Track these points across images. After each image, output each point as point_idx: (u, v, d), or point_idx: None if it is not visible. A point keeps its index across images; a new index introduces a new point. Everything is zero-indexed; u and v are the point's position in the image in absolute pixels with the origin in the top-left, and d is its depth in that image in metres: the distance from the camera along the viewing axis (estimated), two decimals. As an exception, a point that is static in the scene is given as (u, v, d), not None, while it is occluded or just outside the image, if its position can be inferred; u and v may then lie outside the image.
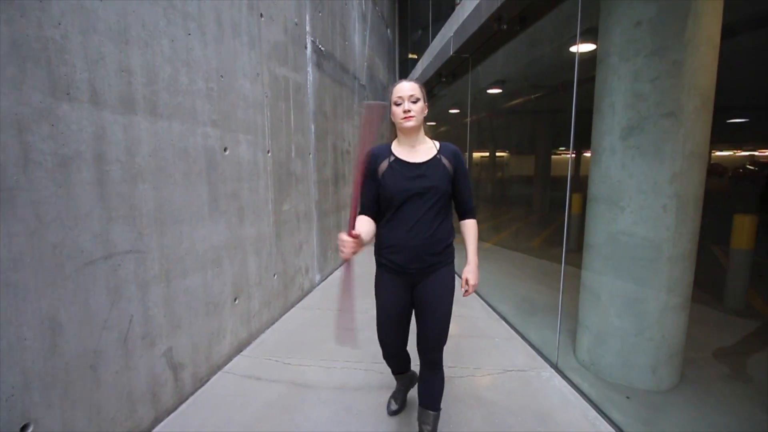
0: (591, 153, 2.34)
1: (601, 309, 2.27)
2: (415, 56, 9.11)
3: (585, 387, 2.22)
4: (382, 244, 1.59)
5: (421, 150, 1.54)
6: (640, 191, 2.05)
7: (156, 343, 1.93)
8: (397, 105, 1.49)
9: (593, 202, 2.30)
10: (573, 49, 2.43)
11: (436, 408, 1.63)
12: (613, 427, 1.92)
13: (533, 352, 2.68)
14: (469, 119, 4.77)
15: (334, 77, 4.55)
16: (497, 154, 5.88)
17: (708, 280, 3.57)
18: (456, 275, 1.62)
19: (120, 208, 1.71)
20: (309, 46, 3.78)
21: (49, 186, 1.42)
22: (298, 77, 3.53)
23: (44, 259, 1.41)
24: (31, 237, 1.36)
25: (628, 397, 2.13)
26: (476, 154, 5.69)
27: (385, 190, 1.51)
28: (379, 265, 1.63)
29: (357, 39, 5.61)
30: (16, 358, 1.33)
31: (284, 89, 3.25)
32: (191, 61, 2.13)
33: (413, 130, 1.51)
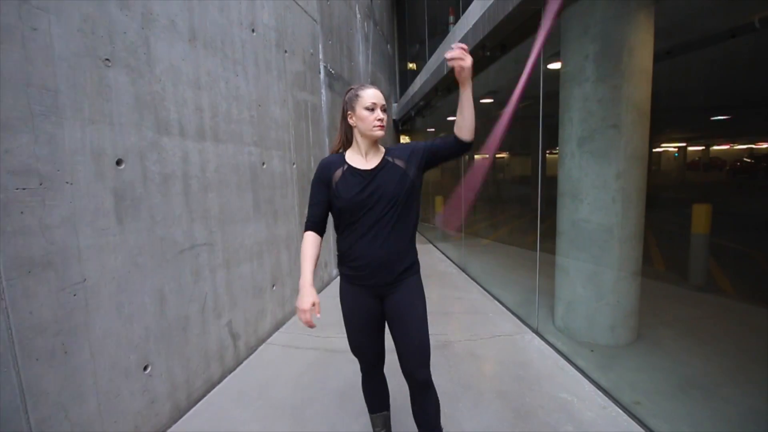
0: (558, 157, 2.90)
1: (570, 282, 2.82)
2: (414, 66, 9.72)
3: (558, 345, 2.77)
4: (343, 256, 1.52)
5: (375, 157, 1.47)
6: (593, 187, 2.61)
7: (221, 316, 2.50)
8: (369, 110, 1.40)
9: (560, 197, 2.86)
10: (552, 66, 2.98)
11: (437, 431, 1.54)
12: (578, 371, 2.46)
13: (519, 322, 3.24)
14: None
15: (340, 93, 5.14)
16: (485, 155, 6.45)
17: (679, 263, 4.10)
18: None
19: (198, 211, 2.29)
20: (322, 70, 4.38)
21: (157, 196, 2.00)
22: (314, 99, 4.13)
23: (155, 248, 1.98)
24: (148, 232, 1.94)
25: (592, 351, 2.67)
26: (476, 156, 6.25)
27: (339, 201, 1.42)
28: (342, 276, 1.56)
29: (361, 58, 6.22)
30: (142, 317, 1.90)
31: (304, 110, 3.84)
32: (239, 96, 2.72)
33: (377, 140, 1.45)
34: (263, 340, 3.01)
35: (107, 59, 1.72)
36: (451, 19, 6.31)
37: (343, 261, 1.52)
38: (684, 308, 3.45)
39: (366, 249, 1.43)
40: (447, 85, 5.40)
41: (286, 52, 3.46)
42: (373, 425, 1.76)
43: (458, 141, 1.43)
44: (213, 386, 2.40)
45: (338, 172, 1.45)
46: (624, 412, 2.06)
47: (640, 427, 1.94)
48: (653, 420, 1.95)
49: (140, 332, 1.89)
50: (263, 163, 3.03)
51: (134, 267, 1.86)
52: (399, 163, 1.45)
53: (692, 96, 4.71)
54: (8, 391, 1.35)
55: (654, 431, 1.90)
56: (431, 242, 7.27)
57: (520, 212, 6.79)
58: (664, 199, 5.22)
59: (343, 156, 1.49)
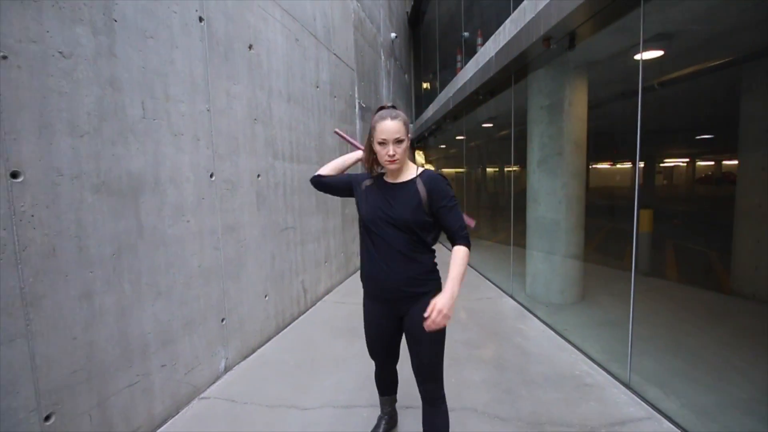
0: (527, 173, 4.17)
1: (534, 261, 4.06)
2: (428, 86, 11.10)
3: (525, 303, 4.00)
4: (361, 272, 1.63)
5: (403, 175, 1.52)
6: (547, 194, 3.86)
7: (299, 275, 3.83)
8: (381, 145, 1.44)
9: (528, 201, 4.12)
10: (539, 99, 4.26)
11: None
12: (534, 317, 3.68)
13: (500, 291, 4.48)
14: (464, 144, 6.65)
15: (370, 122, 6.52)
16: (488, 168, 7.74)
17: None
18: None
19: (289, 206, 3.64)
20: (357, 106, 5.76)
21: (272, 196, 3.35)
22: (352, 128, 5.50)
23: (271, 226, 3.32)
24: (268, 216, 3.28)
25: (546, 306, 3.89)
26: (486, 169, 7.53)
27: (359, 210, 1.54)
28: (363, 288, 1.66)
29: (384, 91, 7.62)
30: (264, 267, 3.23)
31: (345, 137, 5.20)
32: (309, 131, 4.09)
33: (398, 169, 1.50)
34: (319, 298, 4.32)
35: (255, 119, 3.09)
36: (479, 40, 7.58)
37: (361, 275, 1.64)
38: (625, 285, 4.63)
39: (379, 271, 1.50)
40: (454, 114, 6.72)
41: (335, 97, 4.84)
42: (381, 406, 1.97)
43: (451, 241, 1.49)
44: (294, 319, 3.71)
45: (366, 182, 1.59)
46: (557, 335, 3.28)
47: (564, 341, 3.16)
48: (572, 337, 3.17)
49: (264, 274, 3.22)
50: (321, 176, 4.38)
51: (262, 236, 3.20)
52: (420, 186, 1.46)
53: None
54: (217, 295, 2.67)
55: (571, 342, 3.12)
56: (441, 242, 8.54)
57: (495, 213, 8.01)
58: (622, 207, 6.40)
59: (376, 174, 1.61)
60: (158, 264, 2.13)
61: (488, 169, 7.91)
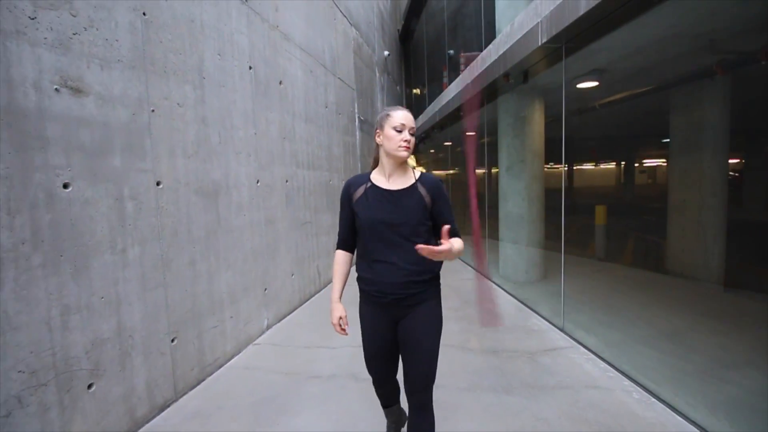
0: (498, 176, 5.12)
1: (505, 248, 5.00)
2: (418, 91, 12.05)
3: (497, 282, 4.95)
4: (359, 275, 1.56)
5: (400, 179, 1.49)
6: (513, 193, 4.81)
7: (315, 261, 4.72)
8: (398, 132, 1.42)
9: (500, 200, 5.06)
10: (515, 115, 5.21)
11: None
12: (505, 292, 4.63)
13: (479, 274, 5.42)
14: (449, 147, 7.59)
15: (368, 132, 7.44)
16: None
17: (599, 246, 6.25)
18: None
19: (307, 205, 4.54)
20: (357, 119, 6.68)
21: (295, 197, 4.24)
22: (353, 140, 6.42)
23: (294, 220, 4.22)
24: (292, 213, 4.18)
25: (514, 283, 4.83)
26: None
27: (358, 218, 1.49)
28: (360, 291, 1.59)
29: (379, 103, 8.56)
30: (290, 252, 4.12)
31: (347, 147, 6.12)
32: (320, 144, 4.99)
33: (403, 161, 1.47)
34: (328, 282, 5.22)
35: (284, 137, 3.99)
36: (462, 60, 8.53)
37: (359, 280, 1.56)
38: (582, 268, 5.60)
39: (379, 272, 1.46)
40: (441, 124, 7.67)
41: (339, 114, 5.76)
42: (388, 416, 1.89)
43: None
44: (312, 296, 4.61)
45: (359, 191, 1.50)
46: (519, 302, 4.22)
47: (524, 305, 4.10)
48: (530, 303, 4.12)
49: (291, 258, 4.11)
50: (330, 180, 5.29)
51: (289, 228, 4.09)
52: (423, 192, 1.46)
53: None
54: (261, 271, 3.56)
55: (529, 306, 4.06)
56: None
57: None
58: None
59: (369, 175, 1.54)
60: (228, 245, 3.02)
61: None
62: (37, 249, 1.70)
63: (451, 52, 8.49)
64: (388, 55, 9.52)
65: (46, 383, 1.73)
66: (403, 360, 1.55)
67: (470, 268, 6.09)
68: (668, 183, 5.22)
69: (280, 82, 3.90)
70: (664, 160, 5.87)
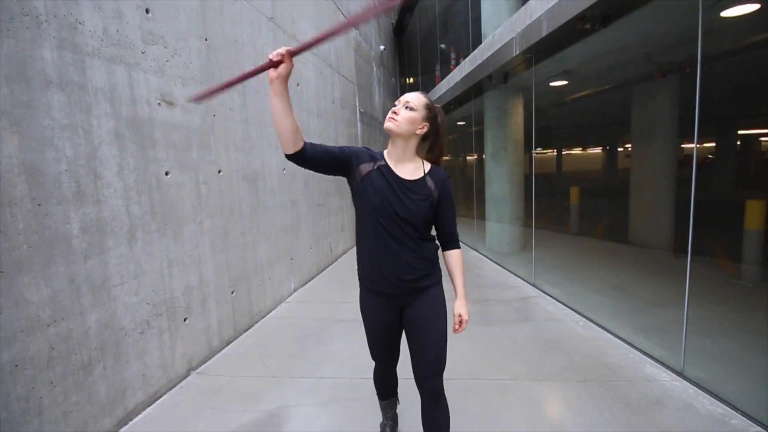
0: (485, 162, 5.87)
1: (491, 224, 5.79)
2: (411, 80, 12.68)
3: (484, 253, 5.75)
4: (360, 265, 1.55)
5: (409, 167, 1.47)
6: (497, 176, 5.57)
7: (327, 238, 5.47)
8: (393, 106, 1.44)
9: (486, 183, 5.82)
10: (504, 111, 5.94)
11: None
12: (491, 261, 5.43)
13: (467, 247, 6.23)
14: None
15: (368, 123, 8.12)
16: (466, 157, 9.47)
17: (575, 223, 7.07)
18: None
19: (320, 189, 5.25)
20: (358, 112, 7.34)
21: (311, 182, 4.96)
22: (354, 131, 7.10)
23: (311, 202, 4.94)
24: (309, 196, 4.90)
25: (498, 254, 5.63)
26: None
27: (363, 197, 1.44)
28: (361, 283, 1.58)
29: (376, 96, 9.20)
30: (308, 230, 4.85)
31: (350, 138, 6.80)
32: (329, 136, 5.67)
33: (397, 138, 1.44)
34: (339, 256, 5.98)
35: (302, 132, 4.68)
36: (453, 54, 9.12)
37: (360, 269, 1.55)
38: (558, 240, 6.43)
39: (381, 261, 1.44)
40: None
41: (343, 108, 6.43)
42: (383, 411, 1.91)
43: (439, 242, 1.56)
44: (325, 268, 5.37)
45: (370, 166, 1.44)
46: (502, 268, 5.02)
47: (506, 271, 4.90)
48: (511, 268, 4.92)
49: (309, 234, 4.84)
50: (337, 168, 6.00)
51: (308, 209, 4.81)
52: (432, 187, 1.45)
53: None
54: (288, 244, 4.29)
55: (510, 270, 4.86)
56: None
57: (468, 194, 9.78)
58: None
59: (383, 153, 1.50)
60: (265, 221, 3.74)
61: (464, 158, 9.64)
62: (154, 218, 2.42)
63: (443, 46, 9.14)
64: (384, 49, 10.11)
65: (161, 314, 2.47)
66: (412, 347, 1.53)
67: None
68: (631, 167, 6.03)
69: (298, 84, 4.57)
70: (629, 146, 6.65)
